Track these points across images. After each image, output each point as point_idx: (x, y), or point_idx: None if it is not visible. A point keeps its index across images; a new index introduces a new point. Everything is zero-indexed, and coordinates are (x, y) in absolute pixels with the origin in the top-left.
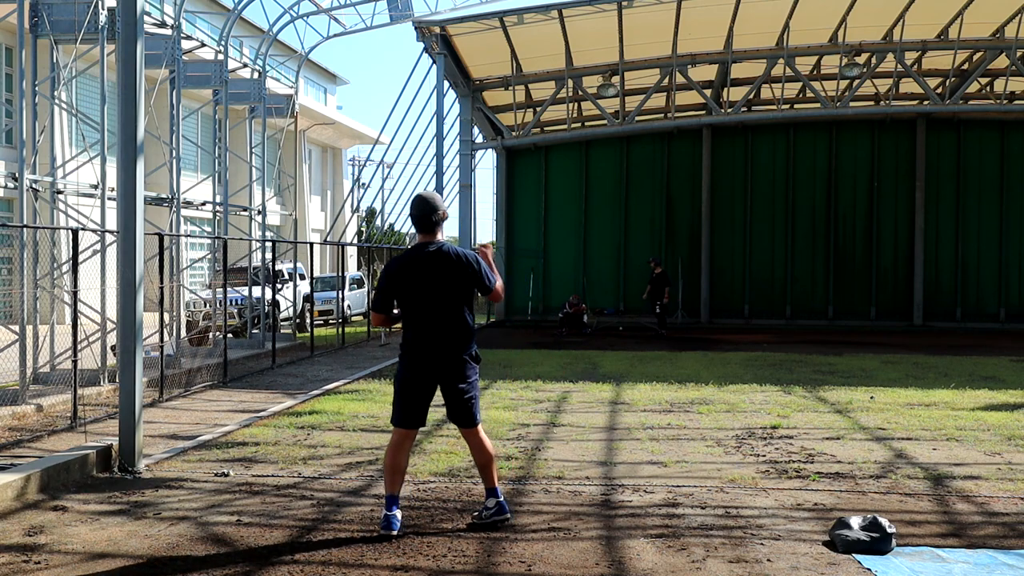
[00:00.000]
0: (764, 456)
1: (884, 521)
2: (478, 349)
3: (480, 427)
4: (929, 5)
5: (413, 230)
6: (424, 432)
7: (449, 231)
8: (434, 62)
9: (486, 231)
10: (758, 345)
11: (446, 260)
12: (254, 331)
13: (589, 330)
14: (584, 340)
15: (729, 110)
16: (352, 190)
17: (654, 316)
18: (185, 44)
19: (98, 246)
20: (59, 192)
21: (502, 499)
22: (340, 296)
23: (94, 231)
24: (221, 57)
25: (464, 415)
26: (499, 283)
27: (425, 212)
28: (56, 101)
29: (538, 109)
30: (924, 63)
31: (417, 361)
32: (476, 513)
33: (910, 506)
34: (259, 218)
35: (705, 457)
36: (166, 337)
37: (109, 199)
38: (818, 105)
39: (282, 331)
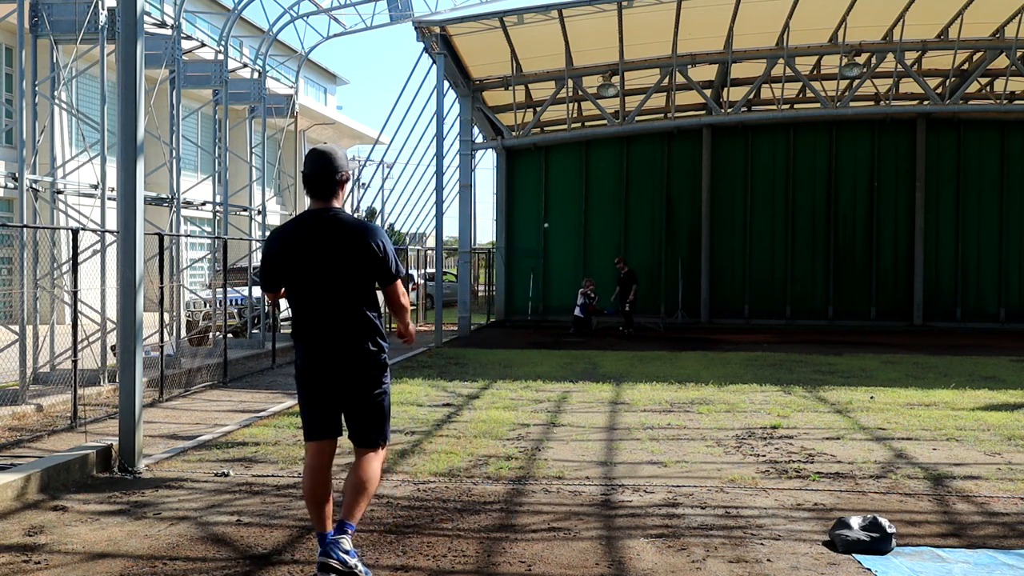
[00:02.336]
0: (764, 456)
1: (884, 521)
2: (387, 352)
3: (382, 453)
4: (929, 5)
5: (414, 227)
6: (424, 432)
7: (449, 231)
8: (434, 62)
9: (486, 231)
10: (758, 345)
11: (342, 231)
12: (254, 331)
13: (588, 330)
14: (584, 340)
15: (729, 110)
16: (352, 190)
17: (622, 316)
18: (185, 44)
19: (98, 246)
20: (59, 192)
21: (339, 538)
22: None
23: (94, 231)
24: (221, 57)
25: (362, 430)
26: (398, 287)
27: (322, 171)
28: (56, 101)
29: (538, 109)
30: (924, 63)
31: (311, 356)
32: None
33: (910, 506)
34: (259, 218)
35: (705, 457)
36: (166, 337)
37: (109, 199)
38: (818, 105)
39: (282, 331)
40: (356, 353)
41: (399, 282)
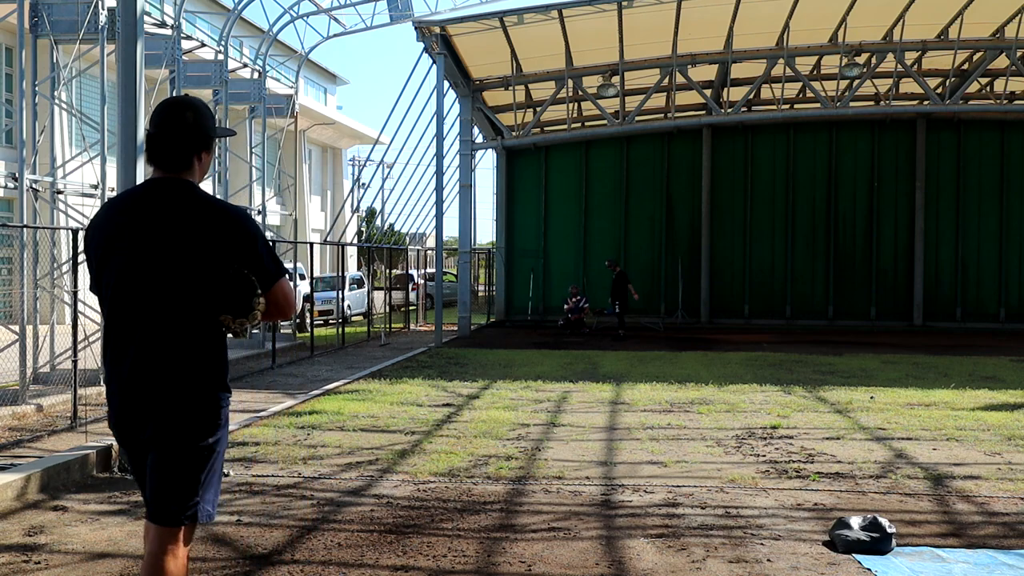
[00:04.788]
0: (764, 456)
1: (884, 521)
2: (227, 403)
3: (184, 545)
4: (929, 5)
5: (414, 227)
6: (424, 432)
7: (449, 231)
8: (434, 62)
9: (486, 231)
10: (758, 345)
11: (194, 211)
12: (254, 331)
13: (587, 330)
14: (584, 340)
15: (729, 110)
16: (352, 190)
17: (616, 317)
18: (185, 44)
19: None
20: (59, 192)
21: None
22: (340, 296)
23: None
24: (221, 57)
25: (160, 495)
26: (287, 285)
27: (171, 128)
28: (56, 101)
29: (538, 109)
30: (924, 63)
31: (116, 394)
32: None
33: (910, 506)
34: (259, 218)
35: (705, 457)
36: None
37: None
38: (818, 105)
39: (282, 331)
40: (178, 389)
41: (282, 289)
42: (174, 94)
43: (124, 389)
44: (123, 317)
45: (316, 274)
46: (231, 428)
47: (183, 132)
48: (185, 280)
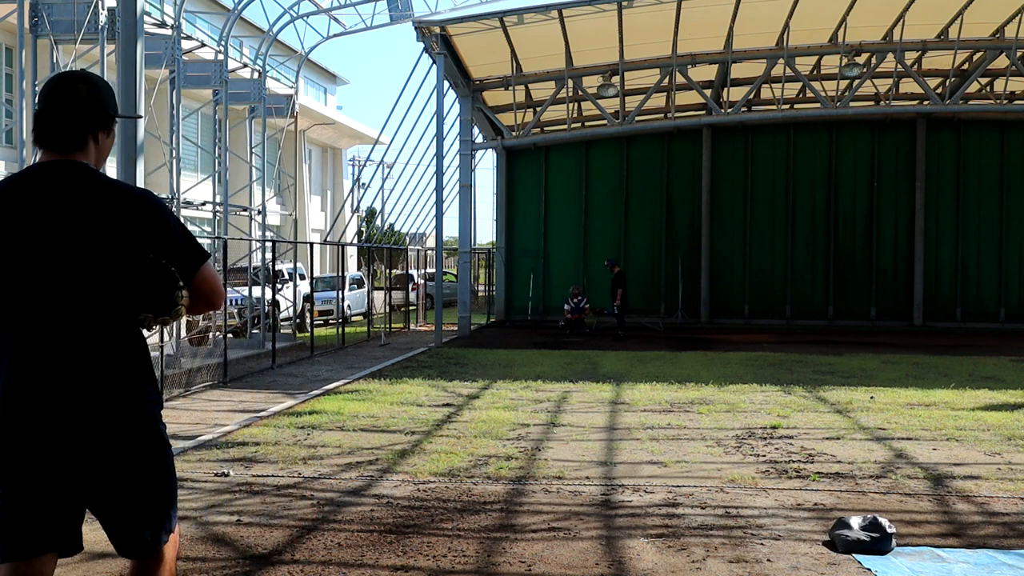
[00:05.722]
0: (764, 456)
1: (884, 521)
2: (160, 403)
3: (169, 556)
4: (929, 5)
5: (414, 227)
6: (424, 432)
7: (449, 231)
8: (434, 62)
9: (486, 231)
10: (758, 345)
11: (87, 199)
12: (254, 331)
13: (588, 330)
14: (584, 340)
15: (729, 110)
16: (352, 190)
17: (614, 317)
18: (185, 44)
19: None
20: None
21: None
22: (340, 296)
23: None
24: (221, 57)
25: (132, 528)
26: (211, 270)
27: (64, 103)
28: None
29: (538, 109)
30: (924, 63)
31: (24, 418)
32: None
33: (910, 506)
34: (259, 218)
35: (705, 457)
36: (166, 337)
37: None
38: (818, 105)
39: (282, 331)
40: (115, 403)
41: (209, 266)
42: (174, 94)
43: (35, 405)
44: (32, 317)
45: (316, 274)
46: (231, 428)
47: (75, 107)
48: (96, 278)
